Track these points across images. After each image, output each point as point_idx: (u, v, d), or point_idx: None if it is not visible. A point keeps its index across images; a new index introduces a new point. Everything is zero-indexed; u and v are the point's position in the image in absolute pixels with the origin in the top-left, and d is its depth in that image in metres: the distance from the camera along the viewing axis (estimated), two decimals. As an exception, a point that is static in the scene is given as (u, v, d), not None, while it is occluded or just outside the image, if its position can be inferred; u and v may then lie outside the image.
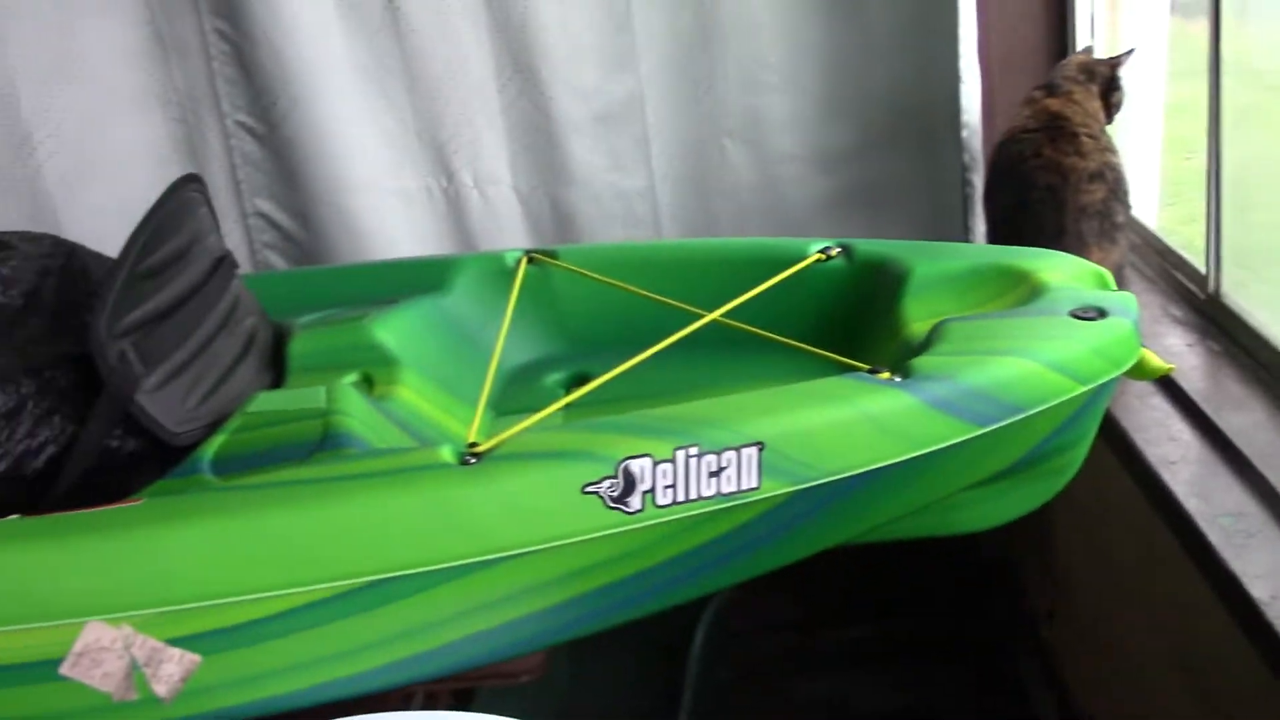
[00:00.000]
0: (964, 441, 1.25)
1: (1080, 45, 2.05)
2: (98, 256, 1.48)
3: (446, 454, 1.21)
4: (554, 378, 1.62)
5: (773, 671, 2.28)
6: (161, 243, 1.36)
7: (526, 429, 1.26)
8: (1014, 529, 1.51)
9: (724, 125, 2.18)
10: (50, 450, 1.28)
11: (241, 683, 1.20)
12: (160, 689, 1.16)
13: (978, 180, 2.06)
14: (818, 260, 1.60)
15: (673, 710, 1.92)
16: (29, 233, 1.45)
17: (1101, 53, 1.91)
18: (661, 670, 1.97)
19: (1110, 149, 1.75)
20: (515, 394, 1.55)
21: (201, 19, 2.12)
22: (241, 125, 2.19)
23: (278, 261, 2.25)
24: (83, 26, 2.11)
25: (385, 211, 2.22)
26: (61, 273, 1.39)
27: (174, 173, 2.20)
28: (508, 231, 2.24)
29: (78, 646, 1.14)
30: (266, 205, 2.23)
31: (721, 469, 1.19)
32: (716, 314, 1.48)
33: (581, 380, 1.59)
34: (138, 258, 1.31)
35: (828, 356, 1.43)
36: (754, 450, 1.19)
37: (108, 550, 1.13)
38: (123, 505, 1.18)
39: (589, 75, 2.13)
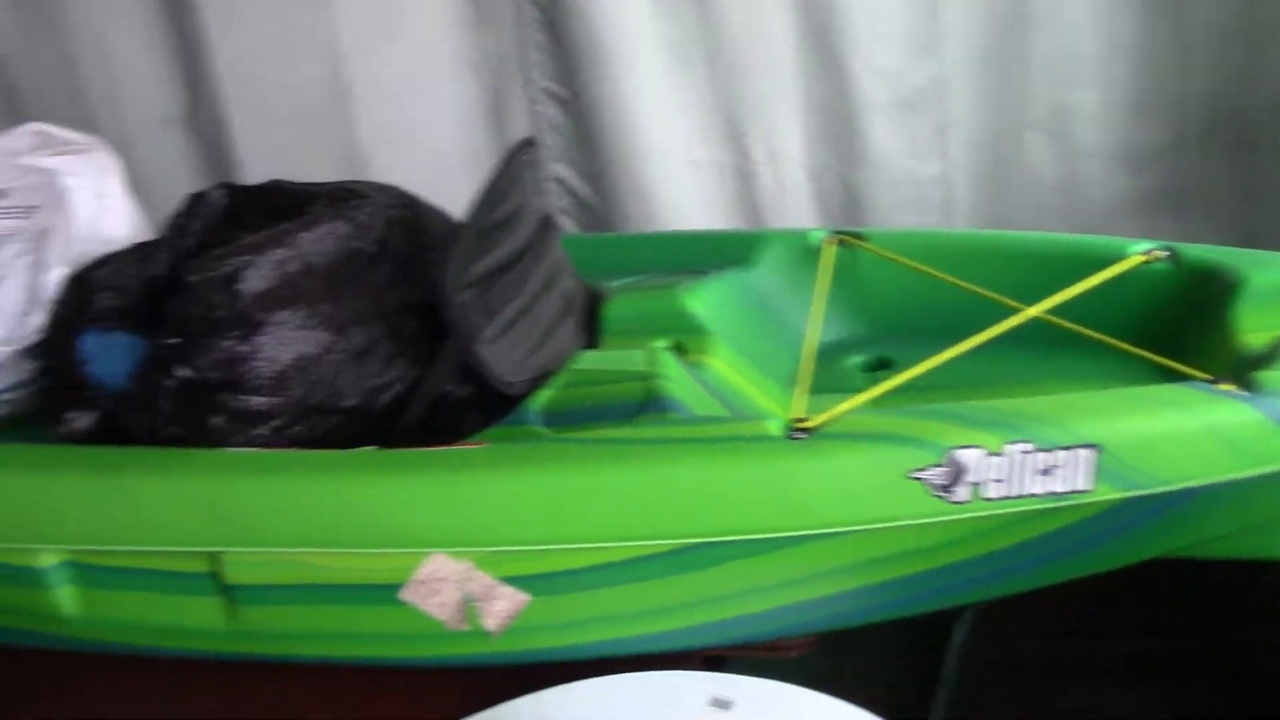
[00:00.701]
0: (1308, 462, 1.20)
1: None
2: (432, 209, 1.56)
3: (774, 427, 1.23)
4: (855, 360, 1.62)
5: (1031, 677, 2.23)
6: (501, 201, 1.42)
7: (850, 410, 1.26)
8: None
9: (1027, 117, 2.13)
10: (396, 389, 1.36)
11: (563, 626, 1.26)
12: (490, 623, 1.23)
13: (1306, 188, 1.96)
14: (1142, 261, 1.55)
15: (925, 704, 1.91)
16: (376, 183, 1.53)
17: None
18: (917, 662, 1.96)
19: None
20: (817, 373, 1.56)
21: (517, -13, 2.20)
22: (546, 92, 2.27)
23: (569, 225, 2.32)
24: (405, -10, 2.22)
25: (676, 182, 2.26)
26: (405, 224, 1.47)
27: (479, 135, 2.33)
28: (795, 210, 2.25)
29: (420, 574, 1.21)
30: (564, 170, 2.30)
31: (1053, 467, 1.17)
32: (1039, 309, 1.45)
33: (883, 364, 1.59)
34: (483, 215, 1.37)
35: (1159, 362, 1.39)
36: (1090, 452, 1.17)
37: (456, 488, 1.19)
38: (469, 446, 1.25)
39: (893, 59, 2.11)
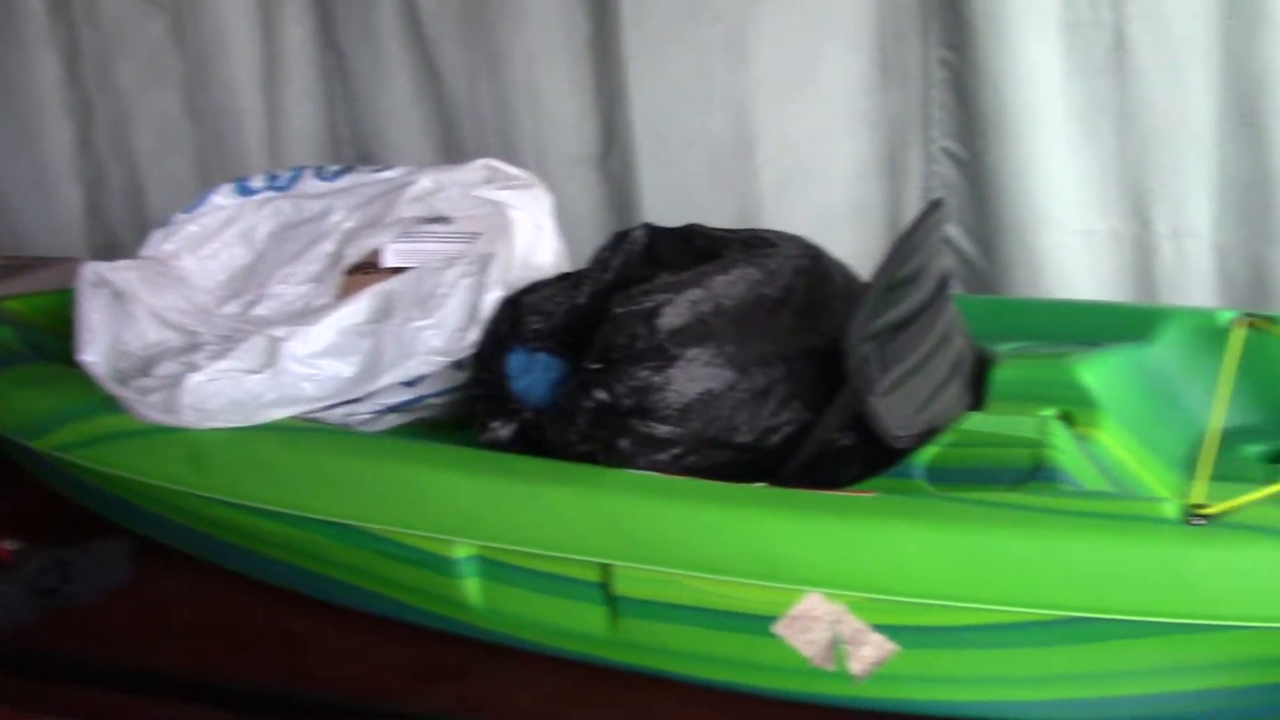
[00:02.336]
0: None
1: None
2: (835, 261, 1.62)
3: (1170, 510, 1.20)
4: (1255, 449, 1.55)
5: None
6: (909, 259, 1.46)
7: (1256, 500, 1.22)
8: None
9: None
10: (787, 430, 1.42)
11: (927, 680, 1.28)
12: (855, 667, 1.27)
13: None
14: None
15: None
16: (785, 233, 1.61)
17: None
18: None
19: None
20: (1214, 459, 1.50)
21: (928, 48, 2.24)
22: (945, 151, 2.29)
23: (955, 287, 2.32)
24: (820, 50, 2.30)
25: (1068, 251, 2.22)
26: (810, 273, 1.54)
27: (871, 190, 2.38)
28: (1194, 289, 2.16)
29: (794, 611, 1.27)
30: (954, 230, 2.31)
31: None
32: None
33: None
34: (891, 271, 1.41)
35: None
36: None
37: (841, 531, 1.24)
38: (859, 494, 1.29)
39: (1324, 136, 1.99)
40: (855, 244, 2.11)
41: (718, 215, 2.37)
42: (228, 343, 1.60)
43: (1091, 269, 2.22)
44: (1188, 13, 2.01)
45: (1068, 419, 1.45)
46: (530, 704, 1.40)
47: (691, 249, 1.58)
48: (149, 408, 1.54)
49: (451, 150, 2.65)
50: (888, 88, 2.31)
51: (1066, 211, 2.20)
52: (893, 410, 1.39)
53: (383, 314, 1.61)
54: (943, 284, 1.60)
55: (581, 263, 1.67)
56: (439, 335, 1.59)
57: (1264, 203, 2.06)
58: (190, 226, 1.81)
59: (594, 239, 2.46)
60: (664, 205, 2.43)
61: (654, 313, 1.39)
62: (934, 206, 1.56)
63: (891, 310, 1.44)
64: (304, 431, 1.53)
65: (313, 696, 1.42)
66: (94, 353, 1.63)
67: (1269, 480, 1.29)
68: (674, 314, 1.40)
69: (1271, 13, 1.95)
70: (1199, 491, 1.24)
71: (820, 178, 2.38)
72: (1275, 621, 1.15)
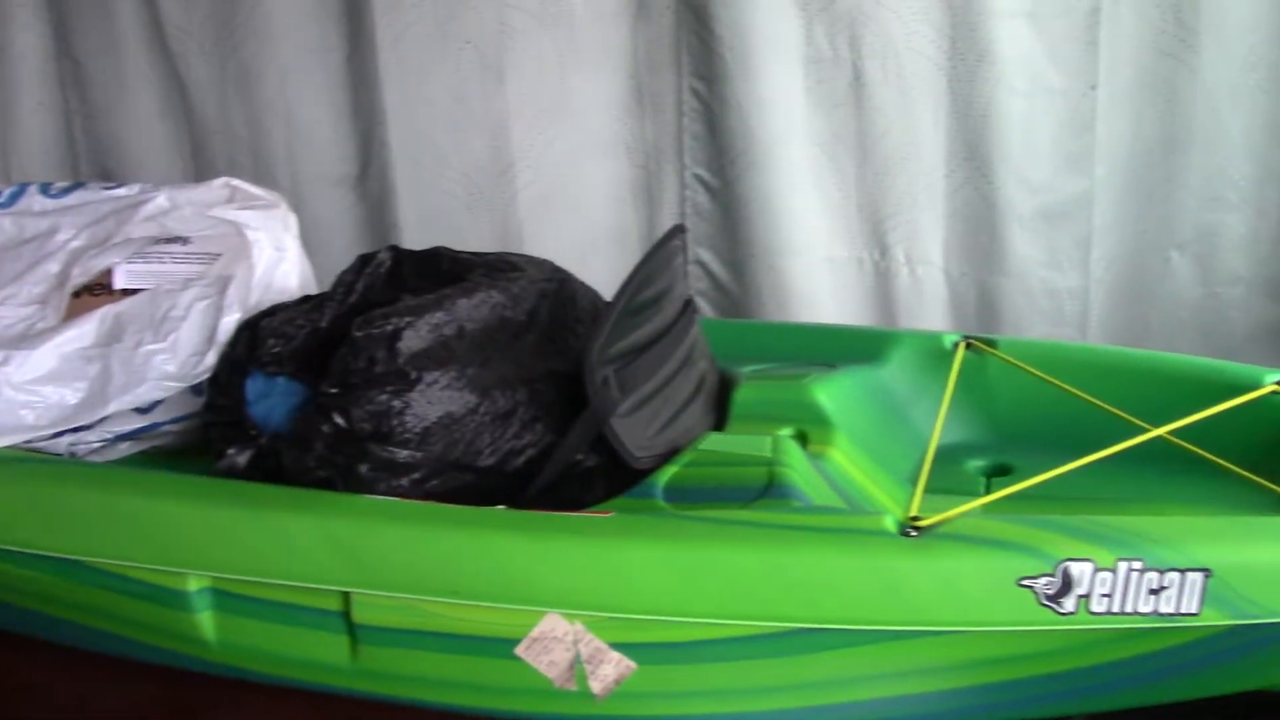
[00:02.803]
0: None
1: None
2: (582, 285, 1.64)
3: (889, 523, 1.27)
4: (974, 464, 1.65)
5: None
6: (650, 284, 1.50)
7: (966, 512, 1.29)
8: None
9: (1173, 237, 2.14)
10: (530, 453, 1.43)
11: (665, 696, 1.30)
12: (596, 686, 1.28)
13: None
14: (1273, 391, 1.55)
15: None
16: (532, 256, 1.62)
17: None
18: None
19: None
20: (935, 474, 1.59)
21: (681, 78, 2.30)
22: (698, 178, 2.35)
23: (706, 309, 2.39)
24: (576, 75, 2.33)
25: (814, 277, 2.31)
26: (555, 297, 1.55)
27: (629, 214, 2.42)
28: (930, 312, 2.28)
29: (534, 632, 1.27)
30: (706, 255, 2.38)
31: (1162, 588, 1.18)
32: (1164, 429, 1.46)
33: (1002, 470, 1.61)
34: (630, 295, 1.44)
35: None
36: (1200, 576, 1.18)
37: (578, 552, 1.25)
38: (596, 514, 1.31)
39: (1041, 171, 2.14)
40: (613, 268, 2.14)
41: (477, 238, 2.39)
42: (-59, 369, 1.50)
43: (835, 294, 2.32)
44: (917, 52, 2.13)
45: (802, 438, 1.51)
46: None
47: (437, 272, 1.57)
48: None
49: (201, 169, 2.56)
50: (643, 115, 2.35)
51: (812, 238, 2.30)
52: (633, 431, 1.41)
53: (112, 337, 1.54)
54: (686, 307, 1.64)
55: (323, 290, 1.64)
56: (173, 360, 1.53)
57: (989, 235, 2.19)
58: (-94, 245, 1.70)
59: (350, 262, 2.42)
60: (423, 228, 2.42)
61: (395, 336, 1.38)
62: (675, 231, 1.60)
63: (633, 333, 1.47)
64: (23, 462, 1.45)
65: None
66: None
67: (985, 493, 1.37)
68: (415, 337, 1.39)
69: (993, 53, 2.09)
70: (915, 505, 1.31)
71: (578, 202, 2.41)
72: (982, 625, 1.22)
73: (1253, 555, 1.19)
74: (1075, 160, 2.13)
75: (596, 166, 2.39)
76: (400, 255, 1.62)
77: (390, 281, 1.59)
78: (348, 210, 2.53)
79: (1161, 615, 1.19)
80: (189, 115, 2.54)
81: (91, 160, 2.63)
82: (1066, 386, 1.62)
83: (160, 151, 2.58)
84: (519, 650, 1.28)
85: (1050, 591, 1.20)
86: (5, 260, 1.69)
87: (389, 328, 1.39)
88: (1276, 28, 2.01)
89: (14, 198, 1.73)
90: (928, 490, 1.42)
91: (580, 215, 2.41)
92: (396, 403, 1.36)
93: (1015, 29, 2.07)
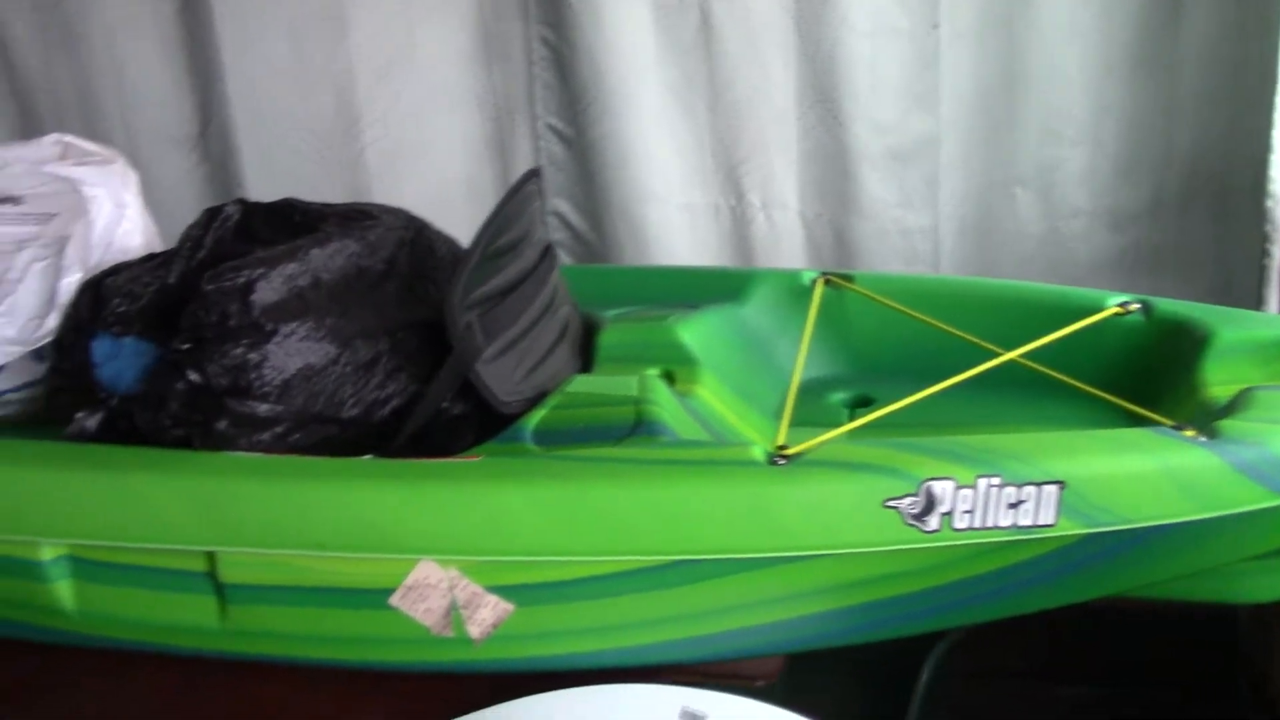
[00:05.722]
0: (1265, 509, 1.25)
1: None
2: (439, 233, 1.61)
3: (757, 453, 1.28)
4: (837, 396, 1.68)
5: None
6: (507, 228, 1.48)
7: (831, 440, 1.32)
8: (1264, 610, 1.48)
9: (1016, 173, 2.20)
10: (395, 403, 1.41)
11: (544, 636, 1.30)
12: (474, 630, 1.28)
13: (1278, 252, 2.03)
14: (1116, 313, 1.62)
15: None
16: (386, 206, 1.59)
17: None
18: (883, 703, 1.99)
19: None
20: (800, 407, 1.61)
21: (529, 25, 2.27)
22: (551, 128, 2.33)
23: (565, 259, 2.38)
24: (420, 25, 2.29)
25: (672, 224, 2.32)
26: (413, 245, 1.53)
27: (483, 167, 2.39)
28: (787, 255, 2.31)
29: (408, 580, 1.26)
30: (564, 206, 2.36)
31: (1020, 502, 1.23)
32: (1016, 353, 1.51)
33: (864, 402, 1.65)
34: (489, 240, 1.42)
35: (1127, 408, 1.44)
36: (1055, 488, 1.22)
37: (448, 498, 1.24)
38: (464, 460, 1.30)
39: (889, 111, 2.18)
40: (467, 221, 2.10)
41: (326, 194, 2.28)
42: None
43: (693, 240, 2.33)
44: (763, -4, 2.14)
45: (669, 377, 1.51)
46: (139, 707, 1.32)
47: (289, 224, 1.53)
48: None
49: (28, 132, 2.44)
50: (491, 65, 2.32)
51: (668, 186, 2.30)
52: (499, 377, 1.40)
53: (-56, 304, 1.47)
54: (545, 253, 1.63)
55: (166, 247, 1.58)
56: (11, 324, 1.47)
57: (841, 176, 2.23)
58: None
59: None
60: (270, 185, 2.34)
61: (247, 288, 1.34)
62: (529, 176, 1.59)
63: (493, 279, 1.45)
64: None
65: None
66: None
67: (848, 423, 1.40)
68: (268, 289, 1.35)
69: (837, -6, 2.12)
70: (782, 435, 1.33)
71: (429, 155, 2.37)
72: (850, 547, 1.25)
73: (1103, 466, 1.24)
74: (921, 99, 2.17)
75: (446, 119, 2.36)
76: (249, 208, 1.57)
77: (240, 235, 1.54)
78: (190, 170, 2.45)
79: (1020, 528, 1.23)
80: (11, 75, 2.42)
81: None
82: (923, 317, 1.66)
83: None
84: (394, 600, 1.26)
85: (915, 511, 1.23)
86: None
87: (240, 280, 1.35)
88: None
89: None
90: (793, 424, 1.45)
91: (431, 169, 2.38)
92: (253, 355, 1.32)
93: (858, -30, 2.10)
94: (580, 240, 2.38)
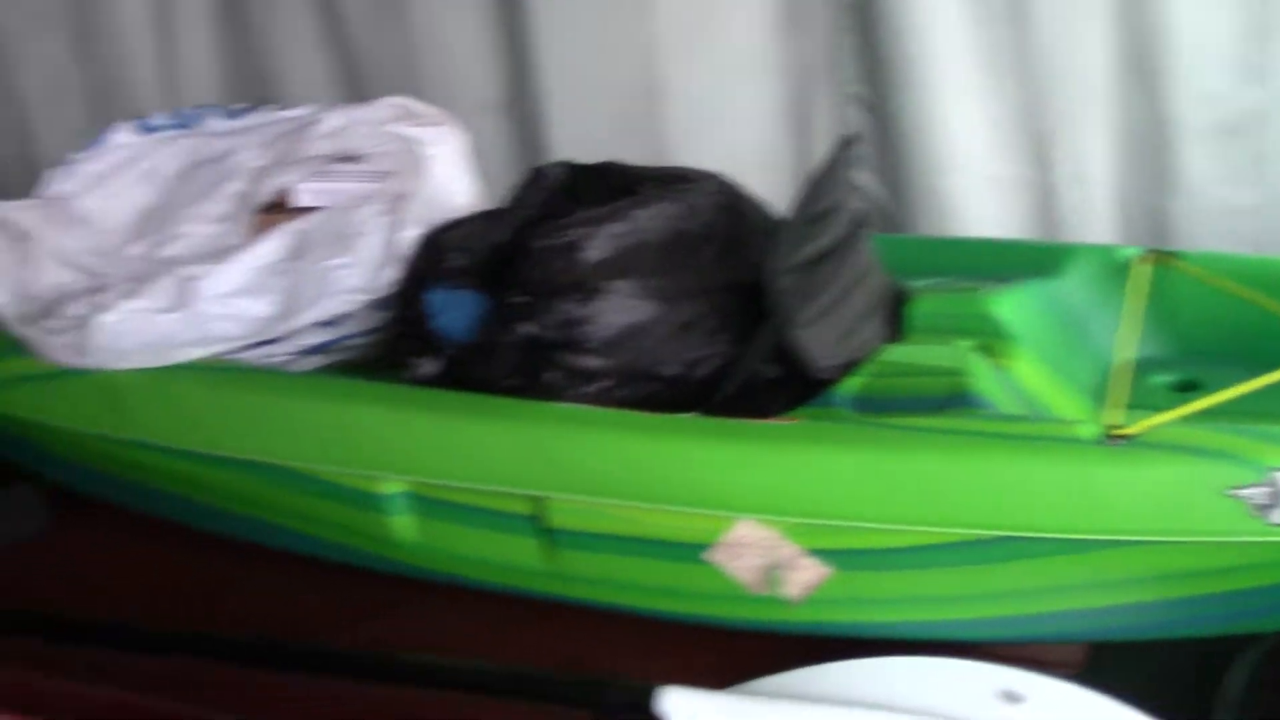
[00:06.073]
0: None
1: None
2: (752, 199, 1.63)
3: (1084, 431, 1.24)
4: (1161, 379, 1.61)
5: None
6: (825, 194, 1.48)
7: (1169, 421, 1.26)
8: None
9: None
10: (714, 363, 1.43)
11: (860, 602, 1.30)
12: (791, 591, 1.29)
13: None
14: None
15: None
16: (701, 170, 1.61)
17: None
18: (1182, 708, 1.89)
19: None
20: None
21: (833, -6, 2.25)
22: (853, 97, 2.31)
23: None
24: (725, -4, 2.31)
25: (974, 195, 2.26)
26: (729, 209, 1.55)
27: (780, 136, 2.39)
28: (1096, 230, 2.22)
29: (728, 538, 1.28)
30: (864, 175, 2.34)
31: None
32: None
33: (1190, 385, 1.57)
34: (807, 205, 1.43)
35: None
36: None
37: (772, 459, 1.25)
38: (784, 422, 1.31)
39: (1215, 83, 2.06)
40: (764, 190, 2.11)
41: (627, 160, 2.39)
42: (137, 283, 1.55)
43: (996, 213, 2.27)
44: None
45: (984, 350, 1.48)
46: (463, 637, 1.40)
47: (609, 185, 1.58)
48: (59, 349, 1.49)
49: (354, 96, 2.59)
50: (794, 33, 2.31)
51: (972, 157, 2.24)
52: (815, 341, 1.41)
53: (298, 253, 1.58)
54: (858, 221, 1.62)
55: (496, 205, 1.66)
56: (356, 274, 1.56)
57: (1160, 151, 2.12)
58: (89, 166, 1.75)
59: (505, 184, 2.44)
60: (573, 151, 2.37)
61: (574, 246, 1.39)
62: (846, 144, 1.58)
63: (810, 245, 1.45)
64: (224, 371, 1.50)
65: (235, 639, 1.39)
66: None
67: (1174, 408, 1.34)
68: (595, 247, 1.40)
69: (1164, -38, 2.01)
70: (1115, 415, 1.28)
71: (728, 124, 2.38)
72: (1186, 535, 1.19)
73: None
74: (1251, 71, 2.04)
75: (747, 87, 2.36)
76: (573, 169, 1.62)
77: (564, 195, 1.60)
78: (499, 135, 2.54)
79: None
80: (343, 44, 2.58)
81: (250, 88, 2.68)
82: (1261, 299, 1.57)
83: (316, 80, 2.62)
84: (712, 555, 1.29)
85: (1261, 502, 1.17)
86: (191, 180, 1.73)
87: (568, 238, 1.40)
88: None
89: (196, 119, 1.77)
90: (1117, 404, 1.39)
91: (730, 137, 2.39)
92: (582, 311, 1.37)
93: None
94: (880, 210, 2.35)
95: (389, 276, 1.56)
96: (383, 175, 1.72)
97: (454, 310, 1.51)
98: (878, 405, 1.37)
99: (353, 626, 1.43)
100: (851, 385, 1.40)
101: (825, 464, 1.24)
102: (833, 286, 1.48)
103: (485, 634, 1.41)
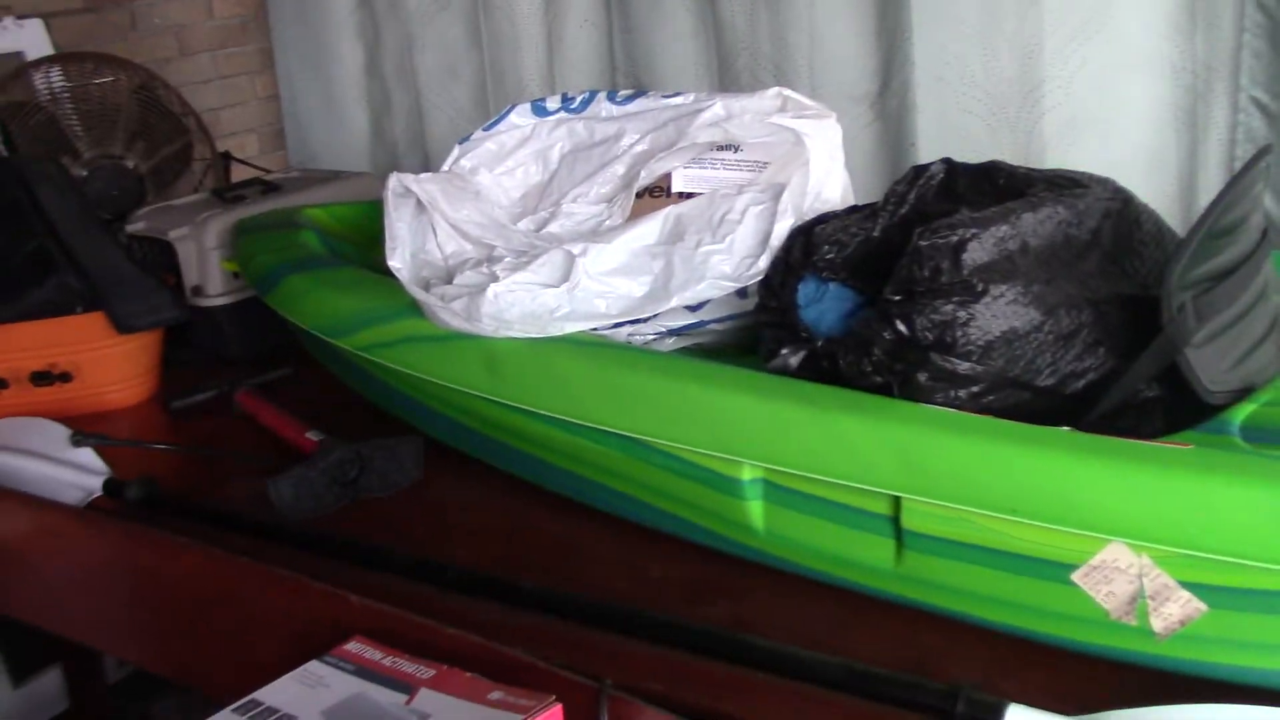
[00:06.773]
0: None
1: None
2: (1144, 206, 1.55)
3: None
4: None
5: None
6: (1233, 207, 1.39)
7: None
8: None
9: None
10: (1090, 377, 1.38)
11: (1232, 644, 1.22)
12: (1157, 624, 1.22)
13: None
14: None
15: None
16: (1094, 174, 1.55)
17: None
18: None
19: None
20: None
21: (1244, -10, 2.10)
22: (1254, 101, 2.16)
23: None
24: (1121, -10, 2.19)
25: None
26: (1119, 216, 1.48)
27: (1168, 139, 2.25)
28: None
29: (1096, 560, 1.23)
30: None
31: None
32: None
33: None
34: (1215, 218, 1.34)
35: None
36: None
37: (1156, 484, 1.19)
38: (1173, 445, 1.24)
39: None
40: (1147, 197, 2.01)
41: (997, 158, 2.32)
42: (524, 257, 1.65)
43: None
44: None
45: None
46: (805, 628, 1.41)
47: (994, 186, 1.54)
48: (450, 314, 1.60)
49: (725, 85, 2.65)
50: (1194, 31, 2.18)
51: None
52: (1208, 363, 1.33)
53: (674, 237, 1.63)
54: (1263, 237, 1.51)
55: (864, 199, 1.65)
56: (729, 261, 1.59)
57: None
58: (489, 143, 1.87)
59: (868, 177, 2.44)
60: (940, 147, 2.37)
61: (959, 247, 1.36)
62: (1261, 154, 1.47)
63: (1212, 260, 1.37)
64: (598, 345, 1.57)
65: (586, 600, 1.45)
66: (399, 259, 1.71)
67: None
68: (980, 249, 1.37)
69: None
70: None
71: (1111, 125, 2.28)
72: None
73: None
74: None
75: (1135, 87, 2.25)
76: (954, 168, 1.59)
77: (942, 194, 1.57)
78: (865, 127, 2.53)
79: None
80: (718, 33, 2.63)
81: (626, 75, 2.78)
82: None
83: (688, 69, 2.69)
84: (1076, 576, 1.24)
85: None
86: (577, 161, 1.82)
87: (954, 238, 1.38)
88: None
89: (585, 103, 1.85)
90: None
91: (1112, 139, 2.28)
92: (961, 314, 1.34)
93: None
94: (1273, 224, 2.19)
95: (760, 266, 1.59)
96: (761, 165, 1.75)
97: (822, 303, 1.52)
98: (1274, 436, 1.27)
99: (702, 604, 1.46)
100: (1245, 412, 1.31)
101: (1213, 493, 1.17)
102: (1232, 306, 1.39)
103: (827, 627, 1.41)
